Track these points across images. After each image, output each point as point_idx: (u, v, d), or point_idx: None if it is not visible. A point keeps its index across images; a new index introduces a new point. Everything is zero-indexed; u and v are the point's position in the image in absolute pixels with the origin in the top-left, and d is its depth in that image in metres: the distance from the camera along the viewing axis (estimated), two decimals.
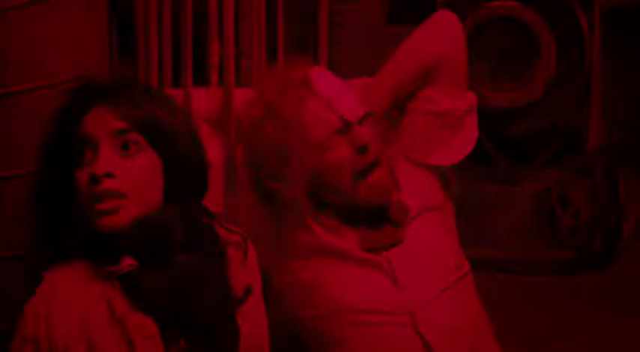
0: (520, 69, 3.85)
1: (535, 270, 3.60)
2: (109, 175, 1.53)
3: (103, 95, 1.63)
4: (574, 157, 3.89)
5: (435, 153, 1.99)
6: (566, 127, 3.90)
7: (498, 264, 3.56)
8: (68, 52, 2.12)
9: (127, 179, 1.55)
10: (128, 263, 1.57)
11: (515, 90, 3.84)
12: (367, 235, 1.90)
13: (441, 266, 1.91)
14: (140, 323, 1.55)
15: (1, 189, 2.14)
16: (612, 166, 3.89)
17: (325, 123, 1.83)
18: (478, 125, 3.78)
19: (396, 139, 2.01)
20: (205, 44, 3.02)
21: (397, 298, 1.84)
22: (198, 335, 1.56)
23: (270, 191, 1.85)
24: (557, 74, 3.81)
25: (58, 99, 2.11)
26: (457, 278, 1.92)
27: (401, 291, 1.85)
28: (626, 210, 3.83)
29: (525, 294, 3.38)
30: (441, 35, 1.98)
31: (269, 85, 1.88)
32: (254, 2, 3.14)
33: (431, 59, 1.95)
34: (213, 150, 1.84)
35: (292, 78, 1.93)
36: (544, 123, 3.87)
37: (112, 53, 2.51)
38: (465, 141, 2.01)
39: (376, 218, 1.91)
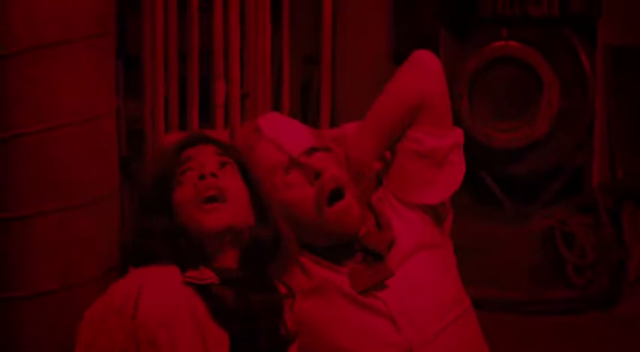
0: (524, 108, 3.86)
1: (539, 310, 3.59)
2: (214, 175, 1.76)
3: (201, 139, 1.88)
4: (578, 196, 3.89)
5: (422, 192, 2.00)
6: (570, 166, 3.91)
7: (503, 303, 3.55)
8: (76, 94, 2.13)
9: (226, 186, 1.77)
10: (209, 275, 1.71)
11: (519, 129, 3.85)
12: (357, 274, 1.90)
13: (439, 304, 1.91)
14: (216, 333, 1.66)
15: (8, 229, 2.15)
16: (616, 205, 3.89)
17: (274, 161, 1.91)
18: (482, 164, 3.80)
19: (387, 180, 2.03)
20: (211, 85, 3.05)
21: (397, 339, 1.84)
22: None
23: None
24: (560, 113, 3.82)
25: (65, 141, 2.14)
26: (457, 315, 1.92)
27: (400, 332, 1.85)
28: (630, 249, 3.82)
29: (529, 334, 3.37)
30: (420, 75, 1.99)
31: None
32: (259, 43, 3.17)
33: (411, 100, 1.97)
34: None
35: (246, 129, 2.07)
36: (548, 162, 3.88)
37: (118, 95, 2.54)
38: (451, 178, 2.02)
39: (360, 254, 1.92)
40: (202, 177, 1.76)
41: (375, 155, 2.02)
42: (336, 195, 1.89)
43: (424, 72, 1.99)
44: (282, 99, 3.29)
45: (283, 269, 1.88)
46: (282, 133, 1.94)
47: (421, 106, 1.97)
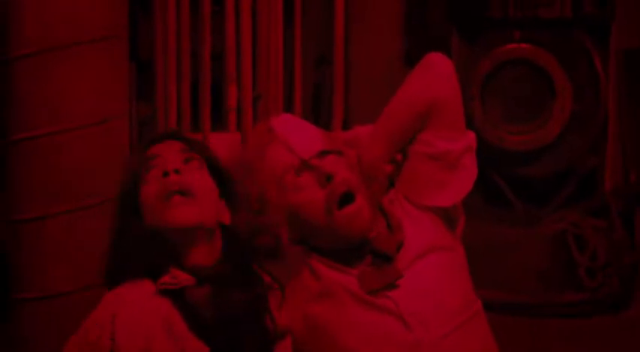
0: (536, 111, 3.86)
1: (550, 313, 3.58)
2: (177, 171, 1.72)
3: (166, 136, 1.84)
4: (590, 199, 3.89)
5: (434, 194, 2.00)
6: (583, 169, 3.90)
7: (513, 306, 3.55)
8: (86, 96, 2.15)
9: (191, 182, 1.74)
10: (184, 277, 1.68)
11: (532, 132, 3.85)
12: (366, 276, 1.91)
13: (448, 306, 1.91)
14: (196, 347, 1.65)
15: (19, 230, 2.17)
16: (629, 208, 3.88)
17: (285, 163, 1.91)
18: (493, 166, 3.79)
19: (398, 183, 2.04)
20: (223, 87, 3.06)
21: (408, 338, 1.85)
22: None
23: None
24: (573, 115, 3.81)
25: (76, 144, 2.15)
26: (467, 318, 1.92)
27: (411, 331, 1.86)
28: None
29: (540, 337, 3.37)
30: (432, 78, 1.99)
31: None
32: (271, 45, 3.18)
33: (422, 104, 1.97)
34: None
35: (258, 129, 2.06)
36: (560, 165, 3.87)
37: (131, 97, 2.55)
38: (462, 181, 2.02)
39: (369, 256, 1.93)
40: (166, 173, 1.72)
41: (386, 158, 2.03)
42: (346, 199, 1.90)
43: (436, 76, 1.99)
44: (294, 102, 3.30)
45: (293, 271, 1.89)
46: (294, 135, 1.95)
47: (433, 110, 1.97)
